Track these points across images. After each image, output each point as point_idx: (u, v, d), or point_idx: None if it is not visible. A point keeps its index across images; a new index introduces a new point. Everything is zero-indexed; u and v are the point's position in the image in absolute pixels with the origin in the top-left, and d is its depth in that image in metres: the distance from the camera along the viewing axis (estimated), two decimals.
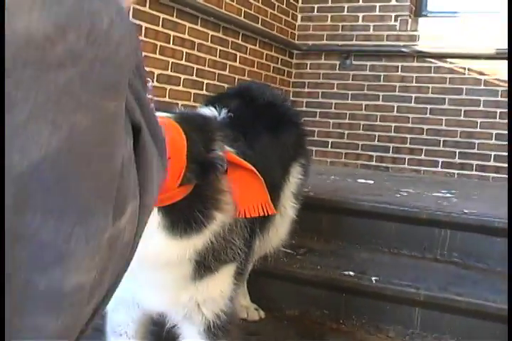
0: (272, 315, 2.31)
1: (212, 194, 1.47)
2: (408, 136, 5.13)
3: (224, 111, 1.99)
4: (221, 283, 1.65)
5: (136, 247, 0.58)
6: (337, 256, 2.51)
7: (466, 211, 2.55)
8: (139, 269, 1.58)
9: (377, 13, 5.24)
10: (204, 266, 1.54)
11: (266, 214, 1.59)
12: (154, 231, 1.40)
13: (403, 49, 5.06)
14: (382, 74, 5.23)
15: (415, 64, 5.08)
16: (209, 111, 2.01)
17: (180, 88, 4.23)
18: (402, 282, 2.15)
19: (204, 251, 1.51)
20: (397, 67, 5.15)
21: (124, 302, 1.73)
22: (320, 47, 5.53)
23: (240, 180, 1.54)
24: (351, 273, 2.24)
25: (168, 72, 4.08)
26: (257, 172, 1.55)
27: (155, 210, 1.40)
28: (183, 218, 1.41)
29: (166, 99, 4.08)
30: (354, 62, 5.36)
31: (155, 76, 3.93)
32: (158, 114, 1.45)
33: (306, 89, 5.61)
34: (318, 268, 2.31)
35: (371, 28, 5.28)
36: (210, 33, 4.48)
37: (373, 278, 2.18)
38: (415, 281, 2.18)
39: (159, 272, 1.55)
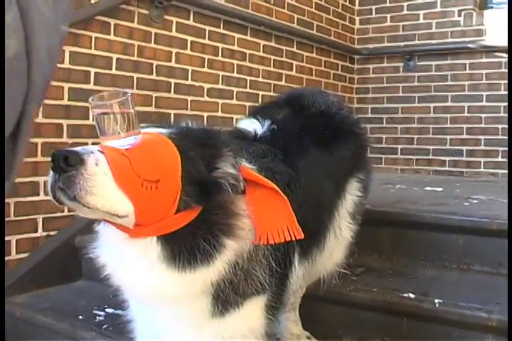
0: None
1: (221, 219, 1.28)
2: (482, 137, 4.79)
3: (267, 123, 1.79)
4: (249, 319, 1.45)
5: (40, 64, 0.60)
6: (397, 276, 2.26)
7: None
8: (151, 305, 1.42)
9: (438, 9, 4.96)
10: (224, 300, 1.35)
11: (294, 239, 1.35)
12: (154, 264, 1.24)
13: (470, 45, 4.74)
14: (449, 73, 4.94)
15: (484, 60, 4.74)
16: (250, 124, 1.83)
17: (234, 101, 4.09)
18: (471, 304, 1.88)
19: (220, 284, 1.32)
20: (465, 64, 4.84)
21: (148, 338, 1.57)
22: (381, 50, 5.33)
23: (261, 201, 1.33)
24: (411, 295, 1.99)
25: (219, 86, 3.95)
26: (280, 191, 1.34)
27: (153, 240, 1.24)
28: (185, 248, 1.23)
29: (219, 113, 3.94)
30: (418, 63, 5.10)
31: (205, 90, 3.81)
32: (149, 129, 1.26)
33: (371, 95, 5.40)
34: (375, 291, 2.07)
35: (434, 25, 5.00)
36: (262, 42, 4.33)
37: (436, 301, 1.92)
38: (486, 303, 1.91)
39: (172, 308, 1.37)
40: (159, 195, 1.19)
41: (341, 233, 1.93)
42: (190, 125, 1.41)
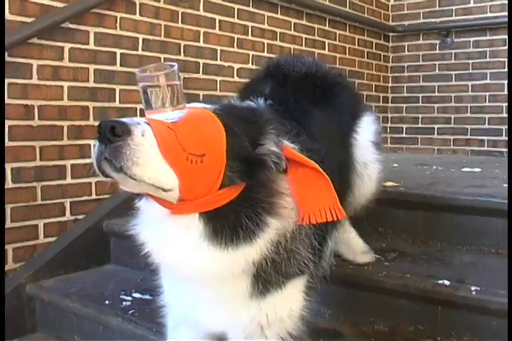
0: (359, 331, 2.02)
1: (264, 197, 1.26)
2: None
3: (262, 101, 1.70)
4: (290, 301, 1.43)
5: None
6: (432, 261, 2.17)
7: None
8: (190, 285, 1.38)
9: None
10: (265, 280, 1.34)
11: (335, 220, 1.34)
12: (196, 242, 1.22)
13: None
14: (487, 49, 4.76)
15: None
16: None
17: None
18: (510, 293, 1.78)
19: (262, 264, 1.30)
20: (504, 40, 4.65)
21: (184, 320, 1.56)
22: (417, 27, 5.18)
23: (303, 181, 1.32)
24: (446, 282, 1.89)
25: (249, 66, 3.86)
26: (322, 171, 1.32)
27: (195, 217, 1.22)
28: (228, 225, 1.21)
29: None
30: (455, 40, 4.93)
31: (235, 70, 3.73)
32: (194, 104, 1.22)
33: (406, 73, 5.26)
34: (408, 277, 1.98)
35: None
36: (293, 20, 4.22)
37: (473, 288, 1.82)
38: None
39: (211, 288, 1.35)
40: (204, 170, 1.17)
41: (368, 172, 1.96)
42: (233, 103, 1.41)
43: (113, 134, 1.08)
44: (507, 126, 4.68)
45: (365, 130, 1.96)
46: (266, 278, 1.33)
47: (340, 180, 1.65)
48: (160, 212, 1.24)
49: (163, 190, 1.15)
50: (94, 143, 1.13)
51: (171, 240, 1.24)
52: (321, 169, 1.32)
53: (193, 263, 1.24)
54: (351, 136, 1.92)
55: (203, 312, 1.43)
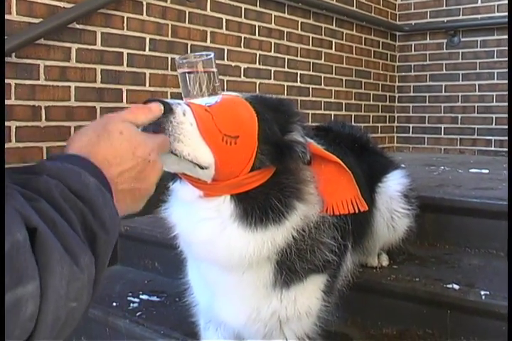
0: (367, 334, 2.01)
1: (292, 183, 1.31)
2: None
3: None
4: (309, 298, 1.45)
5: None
6: (441, 264, 2.15)
7: None
8: (213, 273, 1.38)
9: None
10: (288, 269, 1.37)
11: (357, 211, 1.41)
12: (226, 222, 1.27)
13: None
14: (495, 49, 4.75)
15: None
16: None
17: (272, 81, 4.00)
18: None
19: (286, 251, 1.33)
20: None
21: (212, 320, 1.60)
22: (424, 26, 5.16)
23: (326, 174, 1.39)
24: (455, 286, 1.88)
25: (256, 65, 3.86)
26: (344, 166, 1.39)
27: (227, 199, 1.27)
28: (258, 206, 1.26)
29: (257, 93, 3.85)
30: (463, 39, 4.91)
31: (241, 70, 3.73)
32: (228, 93, 1.36)
33: (413, 73, 5.24)
34: (417, 281, 1.96)
35: None
36: (300, 20, 4.21)
37: (482, 293, 1.81)
38: None
39: (234, 276, 1.36)
40: (238, 151, 1.23)
41: (394, 224, 2.00)
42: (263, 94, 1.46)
43: None
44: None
45: (393, 181, 2.03)
46: (289, 267, 1.36)
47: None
48: (192, 194, 1.29)
49: (200, 167, 1.19)
50: None
51: (202, 221, 1.29)
52: (343, 164, 1.38)
53: (222, 242, 1.27)
54: (376, 184, 1.99)
55: (224, 305, 1.45)
